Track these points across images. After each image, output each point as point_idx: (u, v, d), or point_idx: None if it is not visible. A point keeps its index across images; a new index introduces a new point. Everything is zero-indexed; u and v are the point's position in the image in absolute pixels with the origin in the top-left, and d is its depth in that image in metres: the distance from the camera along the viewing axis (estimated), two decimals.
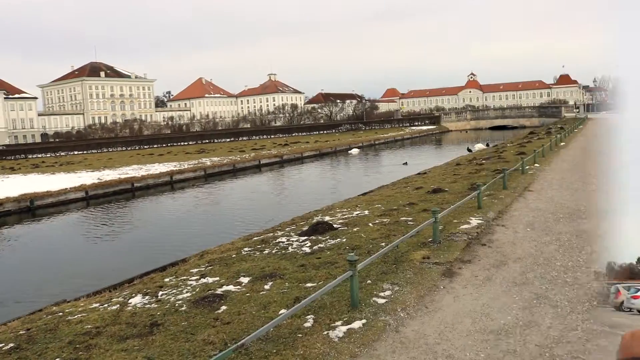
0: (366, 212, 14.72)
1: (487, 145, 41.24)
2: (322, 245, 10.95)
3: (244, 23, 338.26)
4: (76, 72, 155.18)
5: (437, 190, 16.55)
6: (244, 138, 78.16)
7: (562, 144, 30.25)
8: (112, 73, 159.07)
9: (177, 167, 38.45)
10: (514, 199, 13.71)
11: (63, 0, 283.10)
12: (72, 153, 63.09)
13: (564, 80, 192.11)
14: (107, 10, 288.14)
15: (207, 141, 74.42)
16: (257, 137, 78.87)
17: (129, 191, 32.97)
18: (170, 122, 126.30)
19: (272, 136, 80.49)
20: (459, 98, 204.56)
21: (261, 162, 44.26)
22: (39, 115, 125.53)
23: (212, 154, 49.52)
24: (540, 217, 11.28)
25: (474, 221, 11.18)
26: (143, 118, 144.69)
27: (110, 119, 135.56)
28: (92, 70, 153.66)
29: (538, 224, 10.71)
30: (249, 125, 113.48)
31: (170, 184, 35.76)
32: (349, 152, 53.44)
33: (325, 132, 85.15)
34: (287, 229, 14.58)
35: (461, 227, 10.75)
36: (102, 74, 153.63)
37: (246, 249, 12.11)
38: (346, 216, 14.49)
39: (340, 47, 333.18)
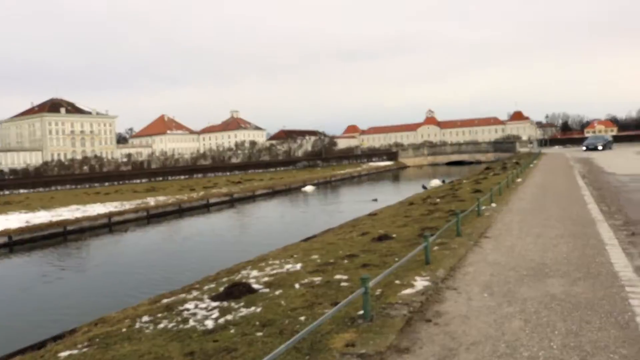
0: (299, 265, 12.48)
1: (443, 182, 39.71)
2: (230, 318, 8.65)
3: (210, 61, 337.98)
4: (36, 108, 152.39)
5: (383, 237, 14.46)
6: (199, 175, 75.42)
7: (518, 180, 28.76)
8: (73, 109, 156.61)
9: (118, 208, 35.60)
10: (469, 249, 11.68)
11: (25, 37, 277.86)
12: (17, 192, 59.36)
13: (517, 116, 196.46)
14: (71, 47, 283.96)
15: (160, 179, 71.51)
16: (212, 175, 76.24)
17: (61, 235, 30.10)
18: (128, 159, 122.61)
19: (228, 173, 77.99)
20: (417, 134, 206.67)
21: (210, 202, 41.73)
22: None
23: (161, 193, 46.71)
24: (500, 276, 9.23)
25: (420, 283, 9.05)
26: (104, 155, 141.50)
27: (70, 156, 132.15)
28: (53, 106, 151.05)
29: (497, 286, 8.63)
30: (206, 162, 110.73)
31: (108, 226, 32.97)
32: (303, 189, 51.29)
33: (282, 169, 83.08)
34: (205, 287, 12.25)
35: (403, 292, 8.60)
36: (63, 110, 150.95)
37: (145, 318, 9.75)
38: (275, 271, 12.23)
39: (303, 85, 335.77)
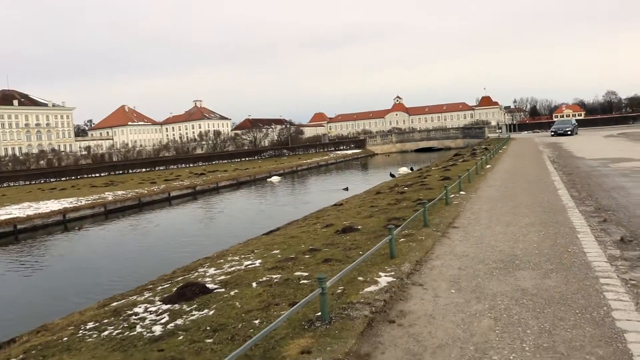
0: (258, 262, 11.84)
1: (411, 169, 39.34)
2: (180, 322, 7.95)
3: (171, 49, 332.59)
4: None
5: (347, 230, 13.86)
6: (161, 168, 73.88)
7: (487, 166, 28.50)
8: (27, 101, 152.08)
9: (73, 204, 34.30)
10: (436, 240, 11.15)
11: None
12: None
13: (486, 101, 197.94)
14: (24, 34, 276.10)
15: (120, 172, 69.76)
16: (174, 167, 74.79)
17: (11, 234, 28.80)
18: (87, 152, 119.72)
19: (191, 165, 76.59)
20: (385, 121, 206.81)
21: (171, 195, 40.59)
22: None
23: (120, 187, 45.33)
24: (468, 269, 8.70)
25: (383, 279, 8.46)
26: (62, 148, 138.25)
27: (26, 150, 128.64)
28: (4, 98, 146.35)
29: (465, 281, 8.10)
30: (170, 154, 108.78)
31: (63, 223, 31.71)
32: (269, 180, 50.43)
33: (247, 159, 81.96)
34: (158, 288, 11.59)
35: (365, 289, 7.99)
36: (16, 102, 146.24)
37: (90, 324, 9.04)
38: (233, 269, 11.57)
39: (268, 74, 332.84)
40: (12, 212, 31.83)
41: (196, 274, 12.13)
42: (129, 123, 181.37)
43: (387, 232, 11.15)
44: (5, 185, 61.06)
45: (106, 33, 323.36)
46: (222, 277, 10.82)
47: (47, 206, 33.88)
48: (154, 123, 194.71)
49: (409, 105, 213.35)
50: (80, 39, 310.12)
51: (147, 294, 10.92)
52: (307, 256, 11.41)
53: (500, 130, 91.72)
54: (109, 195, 37.69)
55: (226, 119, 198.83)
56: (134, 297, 10.90)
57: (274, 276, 9.88)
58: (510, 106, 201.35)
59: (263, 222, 24.18)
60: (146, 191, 40.04)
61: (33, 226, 30.09)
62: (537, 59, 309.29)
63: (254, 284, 9.49)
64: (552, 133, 63.01)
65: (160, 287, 11.54)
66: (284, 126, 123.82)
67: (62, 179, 65.28)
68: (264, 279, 9.81)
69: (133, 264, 18.79)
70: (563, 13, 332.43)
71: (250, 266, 11.55)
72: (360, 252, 10.53)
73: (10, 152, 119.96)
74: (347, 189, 35.89)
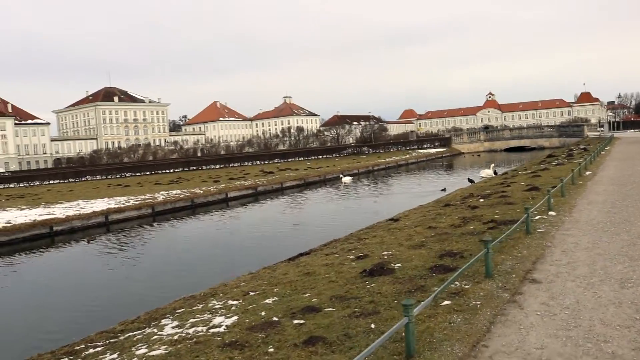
0: (229, 322, 8.09)
1: (495, 173, 34.10)
2: None
3: (263, 47, 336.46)
4: (90, 97, 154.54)
5: (378, 269, 9.70)
6: (236, 164, 71.66)
7: (587, 172, 23.17)
8: (126, 98, 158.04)
9: (119, 205, 31.82)
10: (498, 311, 6.77)
11: (80, 25, 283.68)
12: (46, 183, 57.12)
13: (585, 98, 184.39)
14: (124, 34, 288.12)
15: (195, 168, 68.08)
16: (249, 163, 72.33)
17: (47, 236, 26.54)
18: (175, 147, 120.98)
19: (266, 162, 73.86)
20: (477, 118, 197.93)
21: (229, 196, 37.47)
22: (52, 140, 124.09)
23: (183, 185, 42.81)
24: None
25: None
26: (157, 142, 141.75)
27: (124, 144, 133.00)
28: (106, 95, 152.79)
29: None
30: (252, 149, 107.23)
31: (105, 225, 29.24)
32: (341, 180, 46.30)
33: (325, 157, 78.23)
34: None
35: None
36: (116, 98, 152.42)
37: None
38: (188, 331, 7.82)
39: (360, 69, 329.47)
40: (54, 212, 29.69)
41: (147, 331, 8.40)
42: (220, 119, 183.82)
43: (431, 279, 7.06)
44: (83, 179, 60.73)
45: (201, 32, 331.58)
46: (158, 351, 7.00)
47: (92, 206, 31.58)
48: (245, 119, 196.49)
49: (501, 102, 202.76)
50: (176, 39, 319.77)
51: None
52: (294, 322, 7.42)
53: (601, 129, 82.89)
54: (160, 196, 35.02)
55: (315, 115, 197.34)
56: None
57: (234, 355, 5.96)
58: (614, 101, 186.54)
59: (300, 239, 20.19)
60: (202, 191, 37.13)
61: (71, 228, 27.75)
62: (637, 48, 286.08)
63: None
64: None
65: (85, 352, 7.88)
66: (367, 123, 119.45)
67: (138, 174, 64.39)
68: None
69: (136, 291, 15.29)
70: None
71: (211, 331, 7.74)
72: (372, 326, 6.43)
73: (110, 146, 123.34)
74: (444, 189, 30.96)
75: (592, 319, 6.22)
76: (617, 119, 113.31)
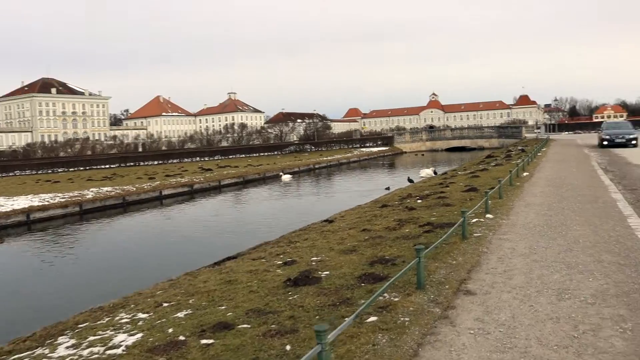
0: (130, 342, 7.02)
1: (435, 172, 33.98)
2: None
3: (210, 42, 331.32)
4: (26, 88, 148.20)
5: (303, 278, 8.89)
6: (175, 160, 69.70)
7: (525, 173, 23.11)
8: (65, 90, 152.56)
9: (44, 202, 29.95)
10: (429, 329, 6.08)
11: (16, 14, 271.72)
12: None
13: (524, 100, 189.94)
14: (63, 25, 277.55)
15: (132, 164, 65.79)
16: (189, 160, 70.54)
17: None
18: (114, 142, 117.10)
19: (207, 158, 72.24)
20: (420, 118, 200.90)
21: (163, 193, 36.02)
22: None
23: (117, 182, 40.94)
24: None
25: None
26: (97, 137, 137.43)
27: (62, 138, 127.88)
28: (44, 86, 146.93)
29: None
30: (194, 146, 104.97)
31: (27, 224, 27.42)
32: (282, 179, 45.40)
33: (267, 154, 77.14)
34: None
35: None
36: (54, 90, 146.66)
37: None
38: (83, 352, 6.75)
39: (308, 67, 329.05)
40: None
41: (35, 354, 7.34)
42: (163, 114, 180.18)
43: (359, 289, 6.36)
44: (12, 174, 57.63)
45: (146, 25, 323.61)
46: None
47: (13, 204, 29.60)
48: (188, 114, 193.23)
49: (444, 103, 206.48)
50: (119, 30, 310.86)
51: None
52: (202, 342, 6.56)
53: (538, 130, 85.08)
54: (90, 193, 33.24)
55: (259, 112, 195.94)
56: None
57: None
58: (550, 104, 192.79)
59: (231, 241, 19.22)
60: (134, 189, 35.52)
61: None
62: (578, 56, 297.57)
63: None
64: (605, 141, 39.52)
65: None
66: (311, 120, 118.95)
67: (71, 169, 61.75)
68: None
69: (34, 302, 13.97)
70: (606, 11, 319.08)
71: (107, 353, 6.80)
72: (287, 348, 5.65)
73: (46, 139, 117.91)
74: (388, 188, 30.34)
75: (528, 337, 5.61)
76: (553, 122, 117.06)
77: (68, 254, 20.66)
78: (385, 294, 7.24)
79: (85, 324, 8.72)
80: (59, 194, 32.75)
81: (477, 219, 12.63)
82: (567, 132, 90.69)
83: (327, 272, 9.28)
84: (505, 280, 7.71)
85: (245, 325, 6.95)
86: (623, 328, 5.70)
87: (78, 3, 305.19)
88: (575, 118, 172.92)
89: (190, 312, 8.24)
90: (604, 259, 8.52)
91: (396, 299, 7.12)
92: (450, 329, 6.01)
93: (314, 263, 10.28)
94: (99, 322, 8.66)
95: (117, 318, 8.71)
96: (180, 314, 8.17)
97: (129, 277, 15.45)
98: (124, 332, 7.66)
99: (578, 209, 13.26)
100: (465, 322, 6.19)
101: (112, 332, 7.76)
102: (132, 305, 9.58)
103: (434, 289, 7.50)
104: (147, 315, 8.57)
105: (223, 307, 8.12)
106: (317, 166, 58.69)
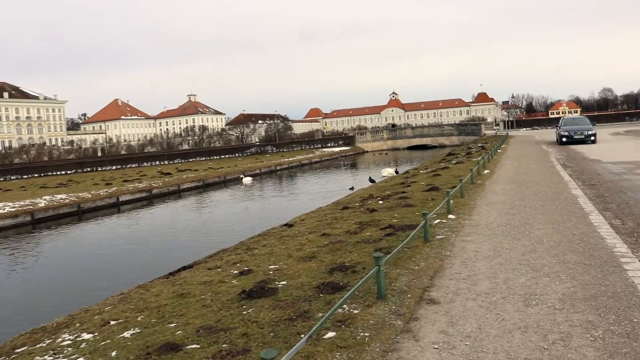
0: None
1: (396, 172, 33.82)
2: None
3: (168, 42, 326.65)
4: None
5: (259, 290, 8.40)
6: (134, 165, 68.19)
7: (485, 171, 23.06)
8: (18, 94, 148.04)
9: None
10: (389, 345, 5.67)
11: None
12: None
13: (482, 98, 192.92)
14: (16, 27, 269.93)
15: (88, 169, 64.07)
16: (148, 164, 69.09)
17: None
18: (72, 147, 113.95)
19: (166, 162, 70.88)
20: (381, 117, 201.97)
21: (120, 199, 34.99)
22: None
23: (72, 189, 39.61)
24: None
25: None
26: (53, 142, 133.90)
27: (16, 144, 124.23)
28: None
29: None
30: (154, 149, 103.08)
31: None
32: (243, 181, 44.69)
33: (227, 156, 76.16)
34: None
35: None
36: (6, 94, 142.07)
37: None
38: None
39: (266, 68, 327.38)
40: None
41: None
42: (122, 117, 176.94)
43: (317, 302, 5.90)
44: None
45: (102, 25, 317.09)
46: None
47: None
48: (148, 117, 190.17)
49: (405, 102, 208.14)
50: (75, 31, 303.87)
51: None
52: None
53: (497, 127, 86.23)
54: (42, 201, 32.02)
55: (220, 113, 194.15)
56: None
57: None
58: (508, 101, 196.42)
59: (187, 249, 18.58)
60: (90, 195, 34.38)
61: None
62: (532, 54, 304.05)
63: None
64: (564, 138, 38.21)
65: None
66: (272, 121, 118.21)
67: (25, 176, 59.76)
68: None
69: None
70: (560, 8, 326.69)
71: None
72: None
73: (0, 146, 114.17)
74: (352, 188, 29.81)
75: (496, 351, 5.26)
76: (510, 118, 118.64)
77: (16, 268, 19.68)
78: (345, 306, 6.83)
79: (23, 349, 8.04)
80: (9, 203, 31.44)
81: (439, 220, 12.35)
82: (525, 129, 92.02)
83: (285, 282, 8.81)
84: (470, 287, 7.38)
85: (194, 346, 6.44)
86: (594, 336, 5.40)
87: (28, 3, 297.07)
88: (532, 114, 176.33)
89: (138, 330, 7.68)
90: (569, 259, 8.28)
91: (356, 311, 6.70)
92: (413, 343, 5.62)
93: (271, 272, 9.80)
94: (38, 345, 8.01)
95: (59, 340, 8.08)
96: (127, 334, 7.61)
97: (78, 291, 14.70)
98: (63, 358, 7.05)
99: (540, 207, 13.10)
100: (429, 335, 5.81)
101: (51, 358, 7.15)
102: (77, 324, 8.95)
103: (395, 298, 7.11)
104: (92, 335, 7.97)
105: (173, 325, 7.59)
106: (278, 168, 58.15)
